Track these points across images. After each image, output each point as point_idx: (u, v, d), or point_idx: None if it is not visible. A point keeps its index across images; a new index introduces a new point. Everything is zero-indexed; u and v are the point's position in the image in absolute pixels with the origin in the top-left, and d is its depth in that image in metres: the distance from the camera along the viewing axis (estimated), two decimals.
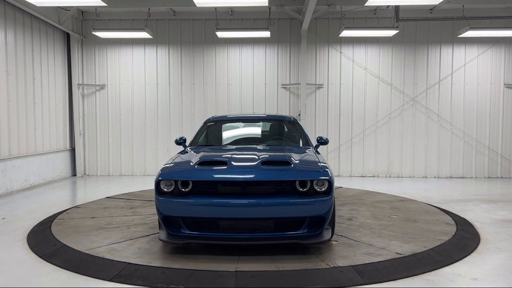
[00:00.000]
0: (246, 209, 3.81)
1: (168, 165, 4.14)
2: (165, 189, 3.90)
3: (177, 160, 4.41)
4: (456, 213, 5.82)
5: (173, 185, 3.89)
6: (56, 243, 4.35)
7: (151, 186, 8.06)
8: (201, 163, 4.08)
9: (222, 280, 3.40)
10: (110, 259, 3.86)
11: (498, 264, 3.86)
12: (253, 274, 3.50)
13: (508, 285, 3.37)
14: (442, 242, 4.38)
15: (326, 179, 3.87)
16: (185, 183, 3.89)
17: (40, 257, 4.01)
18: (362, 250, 4.14)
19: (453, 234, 4.79)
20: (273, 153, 4.59)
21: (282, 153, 4.54)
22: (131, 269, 3.63)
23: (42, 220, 5.39)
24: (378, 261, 3.79)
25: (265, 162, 4.07)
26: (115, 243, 4.33)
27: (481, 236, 4.72)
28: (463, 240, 4.51)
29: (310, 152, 4.80)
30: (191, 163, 4.11)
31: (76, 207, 6.16)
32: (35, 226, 5.11)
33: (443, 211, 6.01)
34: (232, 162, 4.07)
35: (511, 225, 5.27)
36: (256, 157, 4.24)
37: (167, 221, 3.91)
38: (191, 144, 5.37)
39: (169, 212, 3.86)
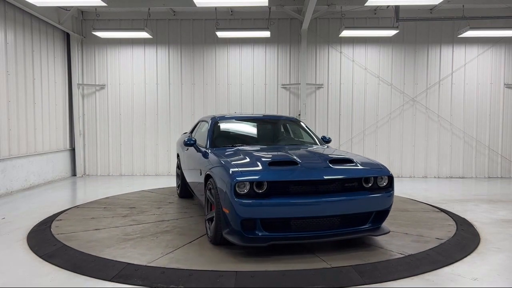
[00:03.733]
0: (328, 207, 3.89)
1: (236, 167, 3.98)
2: (241, 192, 3.80)
3: (236, 162, 4.23)
4: (457, 213, 5.82)
5: (248, 187, 3.80)
6: (56, 243, 4.35)
7: (147, 187, 8.09)
8: (271, 163, 4.05)
9: (222, 280, 3.39)
10: (109, 259, 3.85)
11: (498, 264, 3.86)
12: (253, 274, 3.50)
13: (508, 285, 3.37)
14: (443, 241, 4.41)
15: (388, 175, 4.19)
16: (258, 185, 3.83)
17: (40, 257, 4.00)
18: (408, 239, 4.49)
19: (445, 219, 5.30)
20: (316, 151, 4.80)
21: (334, 153, 4.75)
22: (131, 269, 3.63)
23: (42, 220, 5.39)
24: (378, 261, 3.79)
25: (332, 161, 4.23)
26: (169, 253, 4.03)
27: (481, 236, 4.72)
28: (463, 240, 4.51)
29: (343, 150, 5.13)
30: (259, 164, 4.06)
31: (56, 219, 5.39)
32: (35, 226, 5.10)
33: (417, 201, 6.47)
34: (302, 162, 4.13)
35: (511, 225, 5.27)
36: (317, 156, 4.44)
37: (244, 224, 3.81)
38: (211, 145, 5.14)
39: (248, 215, 3.76)
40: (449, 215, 5.68)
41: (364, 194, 4.06)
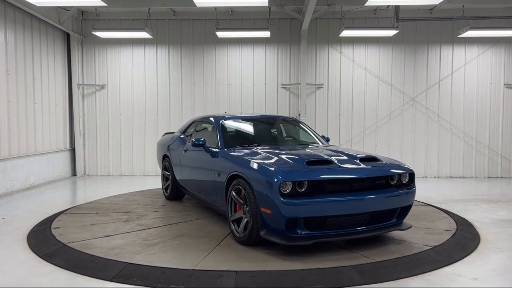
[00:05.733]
0: (367, 204, 4.02)
1: (276, 167, 3.99)
2: (284, 191, 3.79)
3: (270, 162, 4.23)
4: (457, 213, 5.82)
5: (290, 187, 3.81)
6: (56, 243, 4.34)
7: (145, 187, 8.07)
8: (309, 162, 4.12)
9: (222, 280, 3.39)
10: (110, 259, 3.85)
11: (498, 264, 3.86)
12: (253, 274, 3.50)
13: (508, 285, 3.37)
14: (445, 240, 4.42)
15: (410, 172, 4.41)
16: (299, 184, 3.85)
17: (40, 257, 4.00)
18: (421, 232, 4.73)
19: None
20: (339, 150, 4.93)
21: (357, 152, 4.87)
22: (131, 269, 3.62)
23: (42, 220, 5.38)
24: (378, 261, 3.79)
25: (361, 159, 4.39)
26: (207, 256, 3.94)
27: (481, 236, 4.72)
28: (463, 240, 4.51)
29: (356, 149, 5.35)
30: (296, 164, 4.11)
31: (53, 227, 4.98)
32: (35, 226, 5.10)
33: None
34: (336, 161, 4.25)
35: (511, 225, 5.27)
36: (346, 155, 4.54)
37: (288, 223, 3.82)
38: (224, 146, 5.08)
39: (293, 214, 3.78)
40: (449, 215, 5.68)
41: (393, 190, 4.23)
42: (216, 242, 4.38)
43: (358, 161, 4.35)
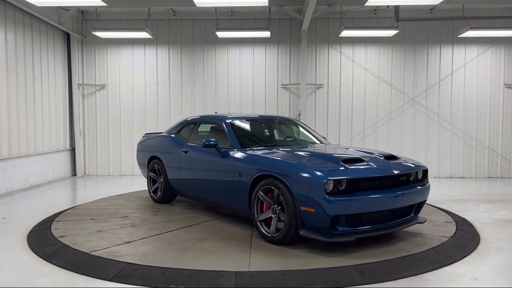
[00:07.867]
0: (401, 199, 4.21)
1: (316, 167, 4.04)
2: (327, 190, 3.83)
3: (306, 161, 4.29)
4: (456, 213, 5.82)
5: (332, 185, 3.85)
6: (56, 243, 4.34)
7: (144, 187, 8.03)
8: (344, 161, 4.22)
9: (222, 280, 3.39)
10: (110, 259, 3.84)
11: (498, 264, 3.86)
12: (253, 274, 3.50)
13: (508, 285, 3.37)
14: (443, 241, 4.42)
15: (425, 169, 4.65)
16: (339, 182, 3.91)
17: (40, 257, 4.00)
18: (428, 225, 4.94)
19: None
20: (359, 149, 5.09)
21: (373, 149, 5.13)
22: (131, 269, 3.62)
23: (42, 220, 5.38)
24: (378, 261, 3.79)
25: (386, 157, 4.59)
26: (250, 258, 3.89)
27: (481, 236, 4.72)
28: (463, 240, 4.51)
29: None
30: (332, 163, 4.23)
31: (59, 236, 4.59)
32: (35, 226, 5.10)
33: None
34: (367, 159, 4.39)
35: (511, 225, 5.28)
36: (370, 153, 4.70)
37: (332, 221, 3.88)
38: (240, 146, 4.99)
39: (337, 212, 3.85)
40: (450, 215, 5.68)
41: (415, 186, 4.42)
42: (247, 243, 4.34)
43: (383, 159, 4.50)
